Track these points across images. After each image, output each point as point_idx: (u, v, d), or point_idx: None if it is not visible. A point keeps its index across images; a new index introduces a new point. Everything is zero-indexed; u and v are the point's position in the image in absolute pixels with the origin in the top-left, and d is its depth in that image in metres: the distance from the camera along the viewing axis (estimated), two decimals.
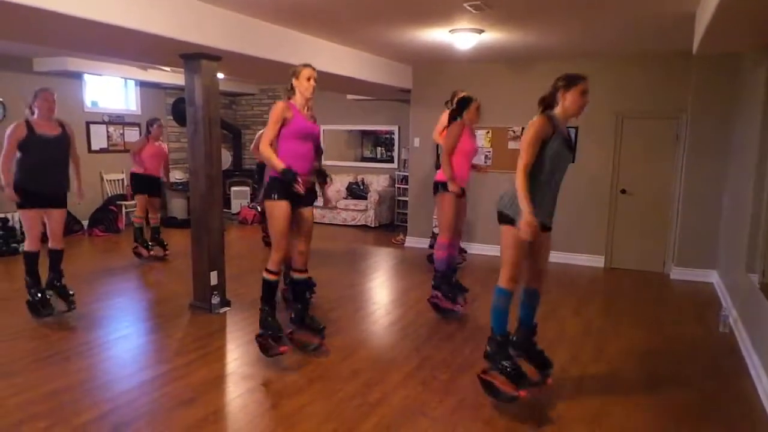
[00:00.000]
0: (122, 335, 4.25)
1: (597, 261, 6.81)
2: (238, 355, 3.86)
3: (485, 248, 7.22)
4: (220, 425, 2.95)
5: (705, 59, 5.80)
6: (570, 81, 2.96)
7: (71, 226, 7.92)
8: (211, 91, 4.61)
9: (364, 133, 10.79)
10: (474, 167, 5.07)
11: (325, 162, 10.27)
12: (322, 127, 10.37)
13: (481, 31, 5.04)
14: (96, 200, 8.45)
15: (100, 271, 6.16)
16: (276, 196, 3.54)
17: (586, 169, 6.70)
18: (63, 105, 7.97)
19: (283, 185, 3.52)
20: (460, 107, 4.62)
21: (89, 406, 3.06)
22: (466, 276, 5.24)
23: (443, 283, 4.72)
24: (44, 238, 4.47)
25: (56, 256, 4.44)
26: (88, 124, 8.45)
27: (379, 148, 10.84)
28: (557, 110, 3.00)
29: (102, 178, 8.65)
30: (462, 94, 4.81)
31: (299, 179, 3.45)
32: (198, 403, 3.15)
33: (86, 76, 8.26)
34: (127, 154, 8.75)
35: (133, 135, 9.03)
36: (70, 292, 4.52)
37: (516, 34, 5.31)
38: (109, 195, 8.61)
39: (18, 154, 4.20)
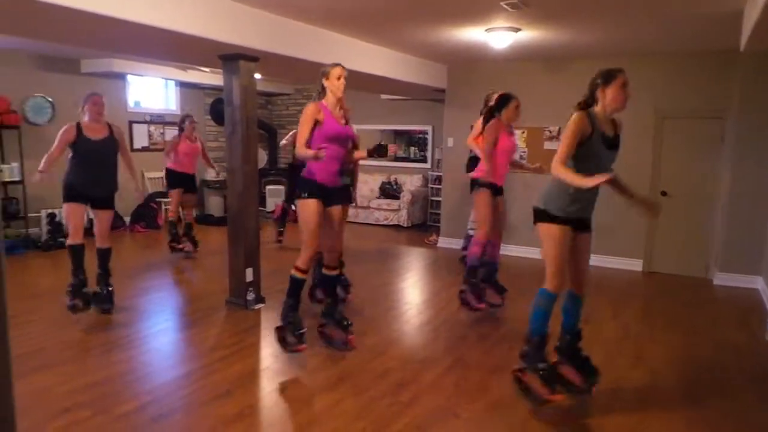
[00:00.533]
0: (161, 329, 4.38)
1: (635, 265, 6.64)
2: (273, 351, 3.92)
3: (523, 250, 7.13)
4: (254, 419, 3.00)
5: (752, 56, 5.58)
6: (608, 76, 2.90)
7: (114, 222, 8.18)
8: (249, 92, 4.69)
9: (397, 132, 10.79)
10: (523, 167, 5.02)
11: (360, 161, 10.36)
12: (356, 127, 10.41)
13: (517, 30, 4.98)
14: (138, 197, 8.70)
15: (140, 266, 6.35)
16: (306, 195, 3.58)
17: (625, 170, 6.41)
18: (108, 105, 8.17)
19: (312, 184, 3.58)
20: (500, 104, 4.56)
21: (129, 398, 3.17)
22: (503, 278, 5.18)
23: (472, 278, 4.69)
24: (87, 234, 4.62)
25: (104, 255, 4.57)
26: (131, 123, 8.72)
27: (412, 148, 10.83)
28: (597, 108, 2.94)
29: (143, 176, 8.90)
30: (496, 94, 4.76)
31: (356, 144, 3.72)
32: (233, 397, 3.22)
33: (129, 77, 8.52)
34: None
35: (172, 134, 9.26)
36: (113, 298, 4.60)
37: (553, 33, 5.23)
38: (150, 192, 8.85)
39: (69, 155, 4.37)
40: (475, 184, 4.68)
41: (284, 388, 3.38)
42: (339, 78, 3.58)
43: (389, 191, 9.74)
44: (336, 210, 3.76)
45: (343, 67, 3.61)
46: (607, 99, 2.89)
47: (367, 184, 9.95)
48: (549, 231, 3.01)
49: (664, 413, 3.14)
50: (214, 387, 3.35)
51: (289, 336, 3.75)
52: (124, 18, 3.54)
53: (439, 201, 8.58)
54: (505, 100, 4.55)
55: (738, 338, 4.41)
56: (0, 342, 0.62)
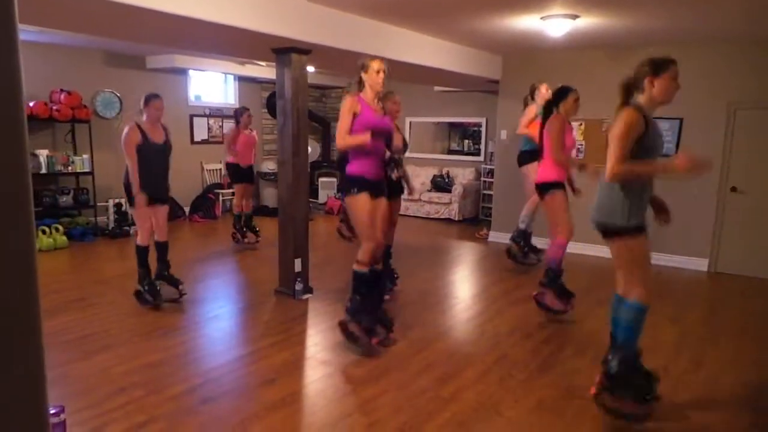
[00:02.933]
0: (214, 315, 4.53)
1: (700, 264, 6.28)
2: (318, 341, 3.98)
3: (582, 247, 6.87)
4: (297, 406, 3.06)
5: None
6: (658, 66, 2.68)
7: (174, 212, 8.55)
8: (300, 84, 4.75)
9: (451, 125, 10.67)
10: (580, 167, 4.76)
11: (411, 154, 10.33)
12: (410, 119, 10.42)
13: (575, 17, 4.79)
14: (196, 188, 9.06)
15: (198, 255, 6.60)
16: (356, 191, 3.56)
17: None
18: (170, 99, 8.64)
19: (358, 180, 3.56)
20: (557, 98, 4.35)
21: (181, 380, 3.30)
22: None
23: (556, 281, 4.46)
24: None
25: (163, 248, 4.76)
26: (191, 117, 9.06)
27: (466, 141, 10.68)
28: (643, 99, 2.72)
29: (202, 168, 9.24)
30: (543, 85, 4.56)
31: (391, 137, 3.55)
32: (278, 384, 3.29)
33: (191, 72, 8.84)
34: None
35: (230, 127, 9.56)
36: (180, 281, 4.79)
37: (614, 19, 4.99)
38: (208, 183, 9.18)
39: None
40: (546, 187, 4.41)
41: (328, 378, 3.42)
42: (378, 72, 3.50)
43: (441, 184, 9.65)
44: (381, 203, 3.73)
45: (382, 60, 3.54)
46: (655, 90, 2.68)
47: (418, 177, 9.89)
48: (628, 244, 2.76)
49: (723, 421, 2.95)
50: (260, 373, 3.45)
51: (358, 331, 3.70)
52: (179, 14, 3.65)
53: (491, 195, 8.42)
54: (563, 92, 4.34)
55: None
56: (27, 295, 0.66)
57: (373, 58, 3.56)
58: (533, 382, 3.38)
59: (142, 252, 4.62)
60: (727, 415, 3.04)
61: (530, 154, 5.58)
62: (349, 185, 3.61)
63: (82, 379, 3.31)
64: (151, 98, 4.49)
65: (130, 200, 4.51)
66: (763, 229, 5.93)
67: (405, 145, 4.87)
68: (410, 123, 10.46)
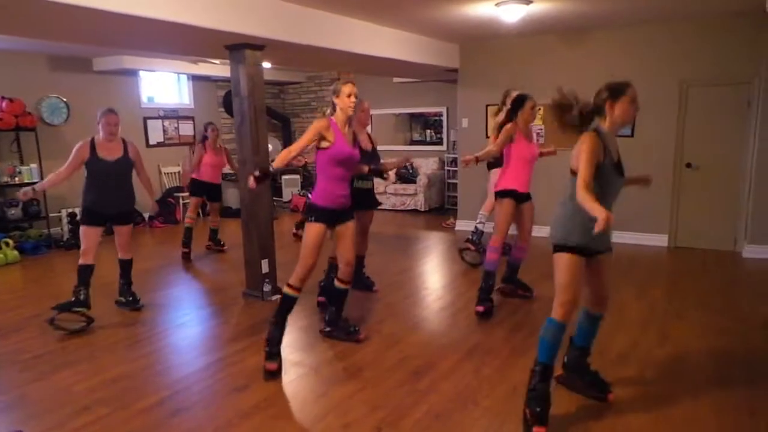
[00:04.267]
0: (180, 323, 4.39)
1: (660, 240, 6.45)
2: (289, 342, 3.89)
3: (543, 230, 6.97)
4: (272, 411, 2.98)
5: None
6: (616, 91, 2.69)
7: (133, 218, 8.27)
8: (256, 81, 4.63)
9: (412, 116, 10.65)
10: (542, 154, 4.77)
11: None
12: (370, 112, 10.31)
13: (528, 2, 4.81)
14: (155, 193, 8.76)
15: (159, 261, 6.39)
16: (313, 218, 3.52)
17: (648, 142, 6.33)
18: (121, 102, 8.36)
19: (319, 209, 3.51)
20: (515, 107, 4.30)
21: (148, 393, 3.17)
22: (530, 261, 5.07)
23: (488, 282, 4.41)
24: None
25: (126, 265, 4.63)
26: (144, 119, 8.77)
27: (428, 131, 10.68)
28: (605, 123, 2.72)
29: (160, 172, 8.97)
30: (514, 92, 4.53)
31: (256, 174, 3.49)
32: (251, 390, 3.20)
33: (141, 73, 8.54)
34: (182, 147, 9.10)
35: (186, 128, 9.31)
36: (138, 299, 4.67)
37: (567, 3, 5.04)
38: (167, 187, 8.91)
39: (85, 173, 4.30)
40: (498, 195, 4.40)
41: (301, 380, 3.36)
42: (349, 95, 3.47)
43: (405, 176, 9.64)
44: (346, 228, 3.65)
45: (353, 84, 3.51)
46: (616, 114, 2.70)
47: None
48: (563, 259, 2.73)
49: (692, 392, 3.03)
50: (231, 380, 3.35)
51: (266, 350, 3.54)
52: (127, 12, 3.50)
53: (456, 183, 8.45)
54: (520, 101, 4.29)
55: None
56: None
57: (345, 82, 3.52)
58: (507, 369, 3.39)
59: (82, 270, 4.36)
60: (692, 389, 3.11)
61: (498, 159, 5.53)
62: (308, 211, 3.59)
63: (41, 400, 3.14)
64: (104, 113, 4.31)
65: (82, 218, 4.35)
66: (718, 203, 6.13)
67: (376, 155, 4.78)
68: (371, 116, 10.37)
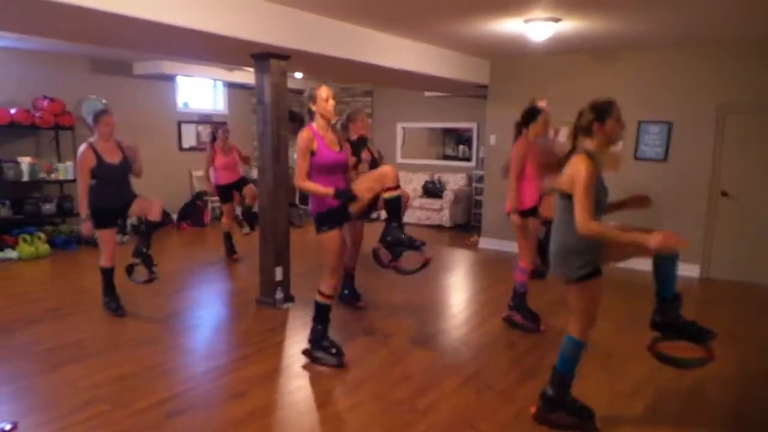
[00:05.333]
0: (191, 326, 4.44)
1: (691, 270, 6.17)
2: (294, 352, 3.88)
3: None
4: (266, 420, 2.96)
5: None
6: (603, 112, 2.64)
7: (162, 219, 8.44)
8: (280, 90, 4.68)
9: (446, 130, 10.59)
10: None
11: (403, 160, 10.24)
12: (401, 125, 10.35)
13: (557, 20, 4.73)
14: (184, 195, 8.98)
15: (183, 263, 6.50)
16: (326, 228, 3.44)
17: (681, 168, 6.11)
18: (157, 106, 8.62)
19: (330, 216, 3.43)
20: (526, 119, 4.18)
21: (149, 393, 3.20)
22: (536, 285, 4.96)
23: (522, 304, 4.38)
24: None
25: (150, 226, 4.57)
26: (179, 123, 8.99)
27: (461, 147, 10.59)
28: (593, 144, 2.67)
29: (191, 175, 9.17)
30: (542, 102, 4.40)
31: (355, 193, 3.37)
32: (249, 397, 3.19)
33: (179, 78, 8.79)
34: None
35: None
36: (155, 263, 4.59)
37: (598, 22, 4.93)
38: (197, 191, 9.09)
39: (90, 181, 4.36)
40: (521, 215, 4.24)
41: (301, 390, 3.33)
42: (327, 99, 3.38)
43: (432, 190, 9.57)
44: (353, 224, 3.67)
45: (329, 87, 3.43)
46: (604, 135, 2.65)
47: (410, 183, 9.83)
48: (585, 289, 2.72)
49: (708, 430, 2.86)
50: (232, 386, 3.35)
51: (325, 356, 3.63)
52: (155, 20, 3.60)
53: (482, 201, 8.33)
54: (532, 114, 4.17)
55: None
56: None
57: (319, 86, 3.43)
58: (512, 393, 3.28)
59: (105, 273, 4.54)
60: (710, 422, 2.94)
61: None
62: (320, 222, 3.48)
63: (47, 392, 3.21)
64: (100, 114, 4.37)
65: (95, 222, 4.41)
66: (754, 234, 5.85)
67: (374, 161, 4.69)
68: (402, 128, 10.40)
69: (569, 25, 4.98)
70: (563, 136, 6.79)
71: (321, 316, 3.66)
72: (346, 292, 4.83)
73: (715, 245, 6.08)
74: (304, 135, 3.37)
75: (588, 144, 2.70)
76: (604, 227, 2.54)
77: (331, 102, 3.40)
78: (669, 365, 2.88)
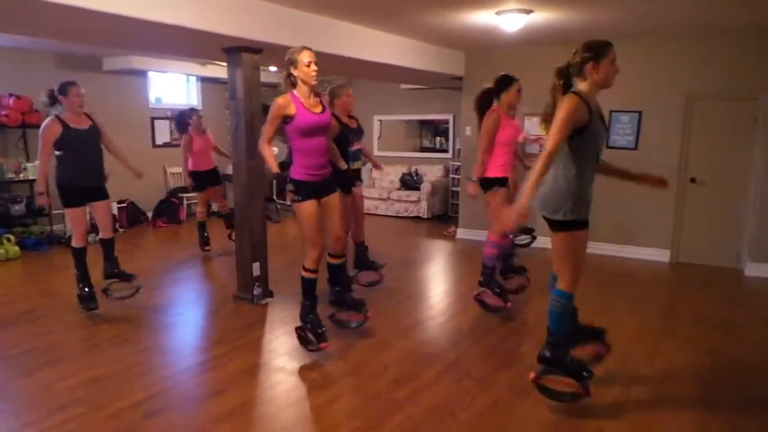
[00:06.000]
0: (168, 324, 4.39)
1: (662, 255, 6.33)
2: (274, 347, 3.88)
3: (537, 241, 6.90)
4: (246, 416, 2.96)
5: None
6: (599, 51, 2.63)
7: (137, 217, 8.35)
8: (252, 84, 4.64)
9: (422, 122, 10.61)
10: (523, 163, 4.77)
11: (380, 152, 10.24)
12: (377, 117, 10.34)
13: (529, 12, 4.77)
14: (159, 193, 8.85)
15: (160, 261, 6.42)
16: (300, 198, 3.44)
17: (651, 156, 6.24)
18: (129, 102, 8.45)
19: (304, 186, 3.45)
20: (499, 88, 4.18)
21: (126, 394, 3.16)
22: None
23: (492, 279, 4.48)
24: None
25: (108, 245, 4.58)
26: (152, 119, 8.84)
27: (438, 138, 10.63)
28: (584, 86, 2.67)
29: (165, 171, 9.03)
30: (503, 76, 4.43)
31: (289, 188, 3.44)
32: (228, 394, 3.18)
33: (150, 74, 8.62)
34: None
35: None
36: (133, 275, 4.64)
37: (569, 13, 4.98)
38: (172, 187, 8.97)
39: (56, 153, 4.20)
40: (486, 184, 4.32)
41: (280, 385, 3.33)
42: (309, 64, 3.31)
43: (410, 183, 9.60)
44: (331, 200, 3.61)
45: (311, 50, 3.33)
46: (597, 76, 2.64)
47: (387, 176, 9.84)
48: (569, 238, 2.78)
49: (675, 413, 2.95)
50: (210, 383, 3.34)
51: (310, 335, 3.65)
52: (123, 14, 3.52)
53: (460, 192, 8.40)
54: (506, 82, 4.17)
55: (765, 333, 4.14)
56: None
57: (300, 49, 3.34)
58: (491, 380, 3.33)
59: (77, 253, 4.42)
60: (677, 407, 3.04)
61: None
62: (294, 192, 3.47)
63: (21, 397, 3.16)
64: (68, 86, 4.19)
65: (63, 201, 4.30)
66: (722, 219, 6.01)
67: (360, 130, 4.78)
68: (379, 121, 10.39)
69: (541, 17, 5.02)
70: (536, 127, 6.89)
71: (306, 291, 3.67)
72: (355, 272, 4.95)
73: (684, 230, 6.24)
74: (279, 101, 3.33)
75: (580, 85, 2.68)
76: (540, 173, 2.55)
77: (313, 66, 3.32)
78: (550, 398, 2.96)
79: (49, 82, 7.31)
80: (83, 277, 4.48)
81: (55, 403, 3.05)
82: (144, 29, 4.00)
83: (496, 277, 4.50)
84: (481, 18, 5.11)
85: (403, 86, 9.66)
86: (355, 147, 4.65)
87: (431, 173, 9.59)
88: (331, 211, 3.63)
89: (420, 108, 9.91)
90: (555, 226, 2.81)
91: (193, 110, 6.58)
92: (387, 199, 9.49)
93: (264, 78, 5.13)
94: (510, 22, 4.88)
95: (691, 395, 3.17)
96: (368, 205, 9.27)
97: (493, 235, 4.38)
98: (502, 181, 4.29)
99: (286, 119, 3.36)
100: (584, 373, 2.89)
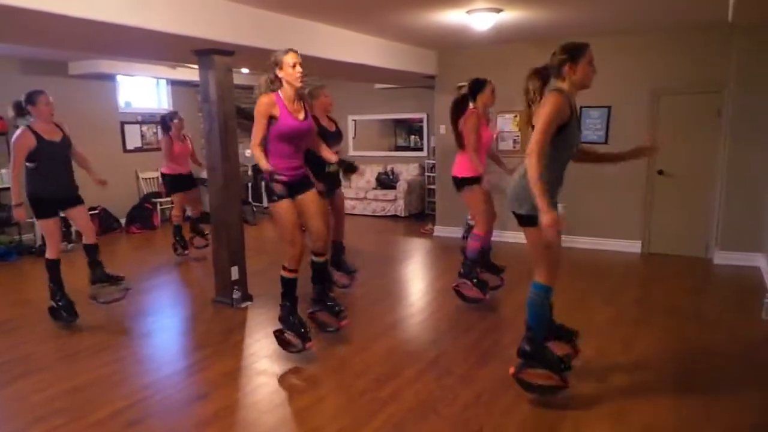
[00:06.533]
0: (147, 331, 4.34)
1: (633, 246, 6.50)
2: (255, 350, 3.87)
3: (515, 236, 7.00)
4: (229, 420, 2.95)
5: (749, 29, 5.40)
6: (576, 52, 2.70)
7: (110, 224, 8.20)
8: (225, 86, 4.61)
9: (397, 121, 10.65)
10: (499, 165, 4.91)
11: (355, 152, 10.26)
12: (352, 117, 10.34)
13: (499, 10, 4.84)
14: (132, 198, 8.70)
15: (134, 268, 6.31)
16: (276, 198, 3.44)
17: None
18: (98, 106, 8.28)
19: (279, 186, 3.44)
20: (474, 90, 4.38)
21: (106, 403, 3.12)
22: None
23: (472, 271, 4.57)
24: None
25: (93, 250, 4.47)
26: (122, 124, 8.68)
27: (413, 137, 10.68)
28: (565, 86, 2.75)
29: (137, 177, 8.89)
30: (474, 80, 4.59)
31: (279, 183, 3.38)
32: (211, 399, 3.17)
33: (119, 78, 8.47)
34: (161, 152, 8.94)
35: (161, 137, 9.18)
36: (120, 276, 4.60)
37: (538, 12, 5.07)
38: (145, 193, 8.83)
39: (27, 164, 4.11)
40: (463, 182, 4.48)
41: (263, 388, 3.32)
42: (294, 66, 3.32)
43: (386, 182, 9.64)
44: (307, 196, 3.59)
45: (296, 52, 3.34)
46: (575, 76, 2.72)
47: (363, 176, 9.86)
48: (538, 232, 2.80)
49: (651, 401, 3.04)
50: (192, 389, 3.32)
51: (292, 338, 3.64)
52: (90, 18, 3.46)
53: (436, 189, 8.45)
54: (480, 84, 4.37)
55: (735, 320, 4.28)
56: None
57: (286, 51, 3.35)
58: (472, 376, 3.38)
59: (52, 266, 4.32)
60: (653, 393, 3.13)
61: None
62: (269, 193, 3.48)
63: None
64: (36, 95, 4.12)
65: (36, 212, 4.21)
66: (690, 210, 6.19)
67: (338, 133, 4.80)
68: (354, 121, 10.40)
69: (511, 15, 5.10)
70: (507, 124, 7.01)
71: (286, 291, 3.66)
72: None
73: (654, 221, 6.40)
74: (264, 99, 3.31)
75: (561, 84, 2.75)
76: (538, 172, 2.58)
77: (298, 68, 3.32)
78: (530, 392, 3.01)
79: (13, 88, 7.17)
80: (59, 289, 4.38)
81: (32, 415, 2.99)
82: (112, 33, 3.94)
83: (476, 269, 4.58)
84: (452, 17, 5.17)
85: (377, 86, 9.69)
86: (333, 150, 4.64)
87: (407, 172, 9.64)
88: (308, 207, 3.59)
89: (394, 107, 9.95)
90: (523, 221, 2.87)
91: (175, 113, 6.52)
92: (364, 198, 9.51)
93: (236, 80, 5.10)
94: (480, 21, 4.94)
95: (666, 382, 3.27)
96: (345, 205, 9.26)
97: (479, 228, 4.49)
98: (477, 180, 4.44)
99: (270, 120, 3.35)
100: (562, 366, 2.96)
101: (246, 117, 11.05)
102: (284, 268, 3.63)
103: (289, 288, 3.66)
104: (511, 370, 3.04)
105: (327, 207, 4.57)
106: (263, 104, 3.32)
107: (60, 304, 4.36)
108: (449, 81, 7.43)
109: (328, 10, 4.85)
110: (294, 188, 3.52)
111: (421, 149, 10.04)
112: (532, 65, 6.94)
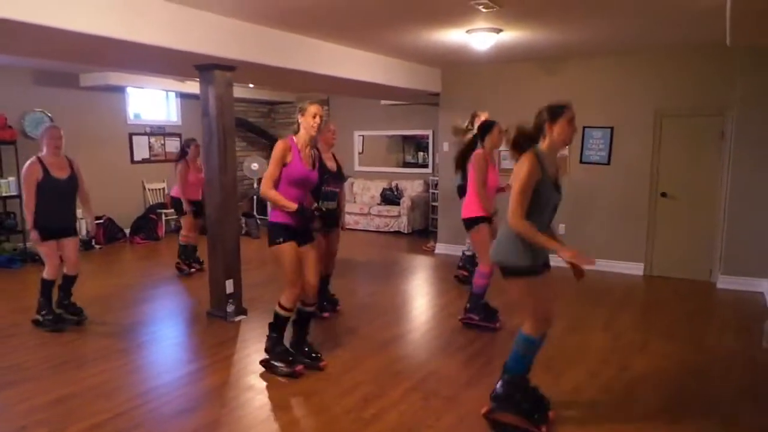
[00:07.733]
0: (139, 342, 4.34)
1: (636, 269, 6.42)
2: (245, 365, 3.85)
3: None
4: None
5: (751, 51, 5.38)
6: (554, 113, 2.77)
7: (114, 233, 8.27)
8: (225, 101, 4.66)
9: (405, 137, 10.68)
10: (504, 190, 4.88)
11: (361, 168, 10.28)
12: (358, 133, 10.40)
13: (498, 31, 4.86)
14: (138, 209, 8.79)
15: (136, 279, 6.35)
16: (282, 240, 3.51)
17: (623, 171, 6.35)
18: (107, 118, 8.42)
19: (287, 229, 3.51)
20: (482, 132, 4.38)
21: (90, 414, 3.12)
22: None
23: (478, 306, 4.51)
24: None
25: (70, 281, 4.63)
26: (131, 135, 8.80)
27: (421, 153, 10.69)
28: (544, 145, 2.80)
29: (144, 188, 8.98)
30: (483, 114, 4.64)
31: (315, 211, 3.55)
32: (196, 413, 3.16)
33: (129, 90, 8.60)
34: (168, 163, 9.03)
35: (173, 145, 9.31)
36: (80, 309, 4.70)
37: (538, 32, 5.09)
38: (150, 204, 8.91)
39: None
40: (470, 223, 4.42)
41: (249, 404, 3.30)
42: (314, 116, 3.48)
43: (390, 197, 9.64)
44: (308, 250, 3.66)
45: (320, 106, 3.54)
46: (554, 135, 2.78)
47: (368, 191, 9.88)
48: (521, 283, 2.83)
49: (643, 428, 2.97)
50: (177, 403, 3.30)
51: (280, 365, 3.66)
52: (93, 33, 3.54)
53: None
54: (488, 127, 4.37)
55: (734, 346, 4.20)
56: None
57: (312, 102, 3.55)
58: (458, 398, 3.34)
59: (46, 285, 4.50)
60: (642, 420, 3.06)
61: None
62: (274, 234, 3.55)
63: None
64: (47, 129, 4.40)
65: (43, 236, 4.36)
66: (694, 233, 6.11)
67: (341, 175, 4.76)
68: (360, 136, 10.45)
69: (510, 35, 5.12)
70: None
71: (277, 326, 3.71)
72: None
73: (656, 244, 6.33)
74: (280, 144, 3.50)
75: (541, 143, 2.81)
76: (530, 228, 2.68)
77: (317, 120, 3.50)
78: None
79: (26, 99, 7.37)
80: (47, 304, 4.54)
81: (14, 426, 2.99)
82: (115, 49, 4.02)
83: (482, 304, 4.52)
84: (453, 36, 5.20)
85: (384, 102, 9.75)
86: (330, 187, 4.53)
87: (411, 188, 9.64)
88: (307, 259, 3.66)
89: (400, 124, 9.99)
90: (505, 273, 2.86)
91: (192, 140, 6.44)
92: (368, 214, 9.51)
93: (244, 94, 5.15)
94: (480, 41, 4.97)
95: (659, 409, 3.19)
96: (349, 220, 9.29)
97: (483, 266, 4.44)
98: (484, 219, 4.38)
99: (283, 164, 3.49)
100: (535, 415, 2.89)
101: (252, 130, 11.15)
102: (280, 305, 3.66)
103: (282, 324, 3.71)
104: (484, 409, 3.03)
105: (322, 242, 4.54)
106: (279, 149, 3.48)
107: (47, 318, 4.50)
108: (454, 99, 7.47)
109: (327, 28, 4.91)
110: (299, 234, 3.58)
111: (426, 166, 10.05)
112: (535, 84, 7.01)
